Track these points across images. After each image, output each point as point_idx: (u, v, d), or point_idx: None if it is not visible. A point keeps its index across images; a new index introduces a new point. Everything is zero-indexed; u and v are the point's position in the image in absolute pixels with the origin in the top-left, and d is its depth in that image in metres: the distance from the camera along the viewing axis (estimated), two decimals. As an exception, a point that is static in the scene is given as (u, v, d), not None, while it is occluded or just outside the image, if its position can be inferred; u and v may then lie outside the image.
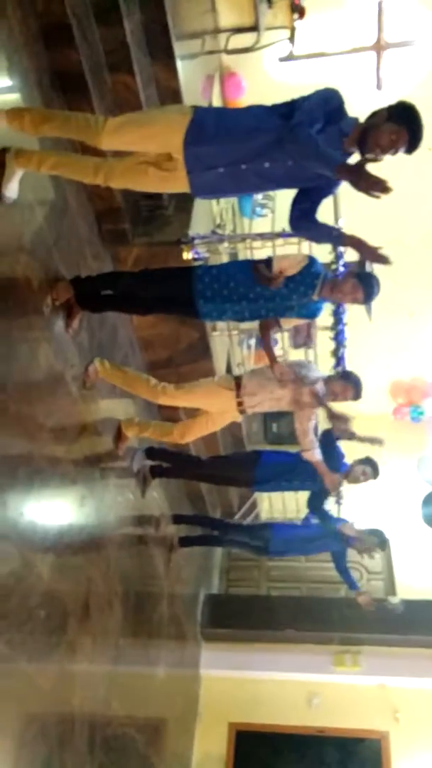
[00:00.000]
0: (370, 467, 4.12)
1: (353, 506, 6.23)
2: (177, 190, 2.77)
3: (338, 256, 4.15)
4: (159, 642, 4.81)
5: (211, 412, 3.90)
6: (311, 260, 3.18)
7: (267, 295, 3.13)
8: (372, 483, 4.22)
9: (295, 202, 2.83)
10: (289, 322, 3.45)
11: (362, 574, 7.09)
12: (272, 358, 3.53)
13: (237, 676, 6.20)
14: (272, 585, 7.29)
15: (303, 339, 3.94)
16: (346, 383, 3.63)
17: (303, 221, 2.84)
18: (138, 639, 4.23)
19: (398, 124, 2.44)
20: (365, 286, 3.11)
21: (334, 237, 2.90)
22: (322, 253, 4.12)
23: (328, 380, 3.70)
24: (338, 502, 6.18)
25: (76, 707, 3.07)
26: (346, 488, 4.70)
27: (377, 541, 4.46)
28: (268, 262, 3.16)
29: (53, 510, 2.97)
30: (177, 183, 2.68)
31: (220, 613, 6.44)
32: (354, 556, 4.76)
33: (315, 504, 4.50)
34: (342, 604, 6.31)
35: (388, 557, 7.07)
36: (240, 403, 3.73)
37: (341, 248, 4.16)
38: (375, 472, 4.13)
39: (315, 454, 3.81)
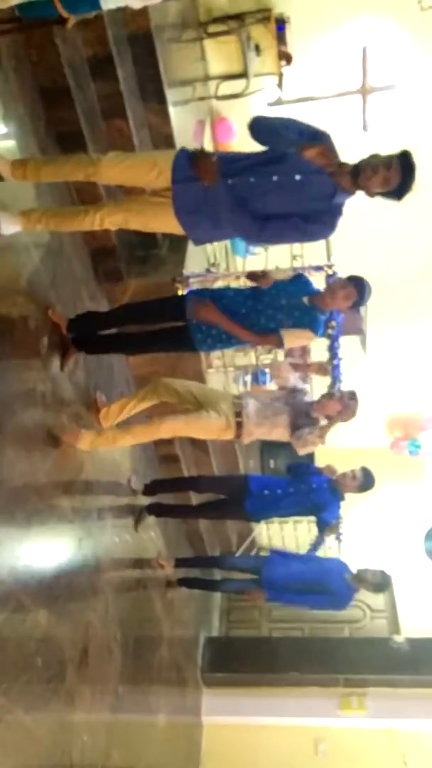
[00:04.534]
0: (361, 472, 4.07)
1: (354, 543, 6.16)
2: (172, 226, 2.80)
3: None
4: (159, 688, 4.68)
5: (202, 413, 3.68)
6: (300, 275, 3.29)
7: (261, 299, 3.18)
8: (366, 502, 4.12)
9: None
10: (290, 337, 3.25)
11: (365, 612, 6.96)
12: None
13: (240, 723, 6.02)
14: (274, 626, 7.14)
15: (300, 374, 3.92)
16: (348, 401, 3.60)
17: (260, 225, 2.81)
18: (138, 686, 4.11)
19: (389, 158, 2.50)
20: (357, 288, 3.14)
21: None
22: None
23: (325, 398, 3.68)
24: (338, 539, 6.12)
25: (75, 759, 2.95)
26: (345, 523, 4.66)
27: (376, 582, 4.37)
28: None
29: (50, 552, 2.92)
30: (171, 215, 2.72)
31: (221, 657, 6.29)
32: (357, 594, 4.64)
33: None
34: (347, 644, 6.18)
35: (391, 595, 6.94)
36: (239, 424, 3.62)
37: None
38: (366, 479, 4.07)
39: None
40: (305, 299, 3.19)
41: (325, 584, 4.40)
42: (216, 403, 3.64)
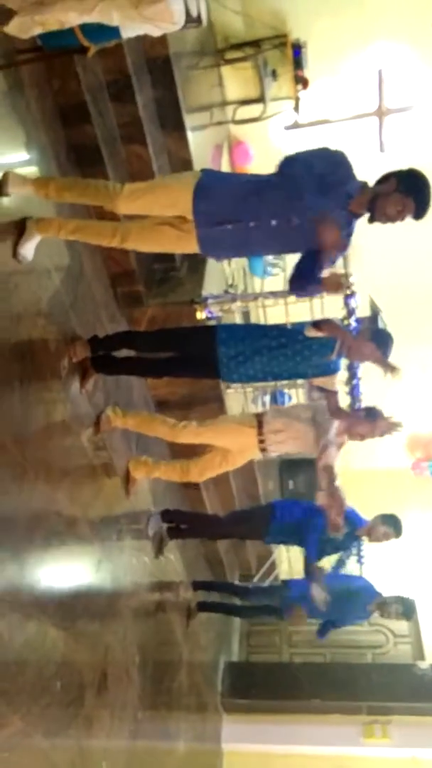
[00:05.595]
0: (392, 527, 3.99)
1: (376, 566, 6.06)
2: (191, 250, 2.82)
3: (350, 312, 4.18)
4: (179, 714, 4.61)
5: (230, 449, 3.79)
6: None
7: (288, 353, 3.18)
8: (395, 541, 4.09)
9: (298, 264, 2.86)
10: (316, 383, 3.41)
11: (389, 637, 6.82)
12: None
13: (260, 750, 5.89)
14: (295, 651, 7.01)
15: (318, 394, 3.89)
16: (373, 421, 3.56)
17: (296, 281, 2.86)
18: (157, 711, 4.06)
19: (406, 195, 2.52)
20: (381, 346, 3.12)
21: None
22: (335, 308, 4.17)
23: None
24: (360, 562, 6.02)
25: (93, 787, 2.91)
26: (368, 547, 4.58)
27: (401, 609, 4.28)
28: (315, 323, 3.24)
29: (69, 574, 2.91)
30: (191, 242, 2.75)
31: (241, 683, 6.18)
32: (379, 619, 4.56)
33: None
34: (369, 670, 6.05)
35: (416, 620, 6.79)
36: (262, 441, 3.63)
37: (352, 304, 4.20)
38: (398, 531, 4.01)
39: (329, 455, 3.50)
40: (332, 356, 3.19)
41: (348, 602, 4.36)
42: (242, 442, 3.72)
